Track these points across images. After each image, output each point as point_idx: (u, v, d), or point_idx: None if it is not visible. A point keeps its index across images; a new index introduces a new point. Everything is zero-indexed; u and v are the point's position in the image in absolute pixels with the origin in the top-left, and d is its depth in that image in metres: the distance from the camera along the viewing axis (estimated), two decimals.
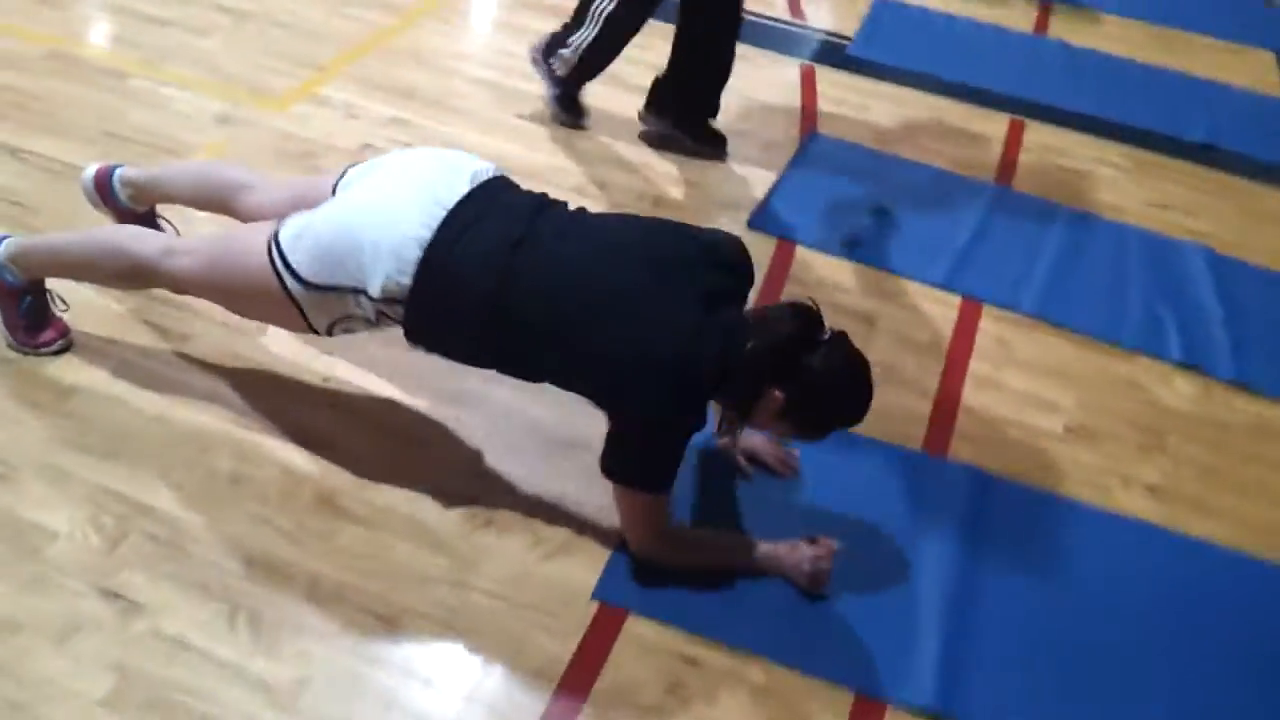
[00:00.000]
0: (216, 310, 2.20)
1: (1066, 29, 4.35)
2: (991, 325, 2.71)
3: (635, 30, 3.04)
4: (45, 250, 2.15)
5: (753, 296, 2.52)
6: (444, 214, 1.89)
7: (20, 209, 2.60)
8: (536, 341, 1.87)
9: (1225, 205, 3.34)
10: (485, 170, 2.01)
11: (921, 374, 2.52)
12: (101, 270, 2.13)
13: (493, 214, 1.92)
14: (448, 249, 1.86)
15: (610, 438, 1.88)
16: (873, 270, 2.82)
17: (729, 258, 1.96)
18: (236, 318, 2.18)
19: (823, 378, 1.82)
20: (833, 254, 2.86)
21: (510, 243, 1.88)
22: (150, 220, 2.42)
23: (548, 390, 1.97)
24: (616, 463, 1.88)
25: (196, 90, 3.14)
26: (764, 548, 2.00)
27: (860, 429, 2.04)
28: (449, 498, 2.07)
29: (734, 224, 2.90)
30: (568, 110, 3.22)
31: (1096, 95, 3.83)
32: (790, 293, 2.70)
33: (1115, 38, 4.34)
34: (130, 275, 2.10)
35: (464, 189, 1.94)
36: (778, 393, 1.81)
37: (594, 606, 1.92)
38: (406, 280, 1.86)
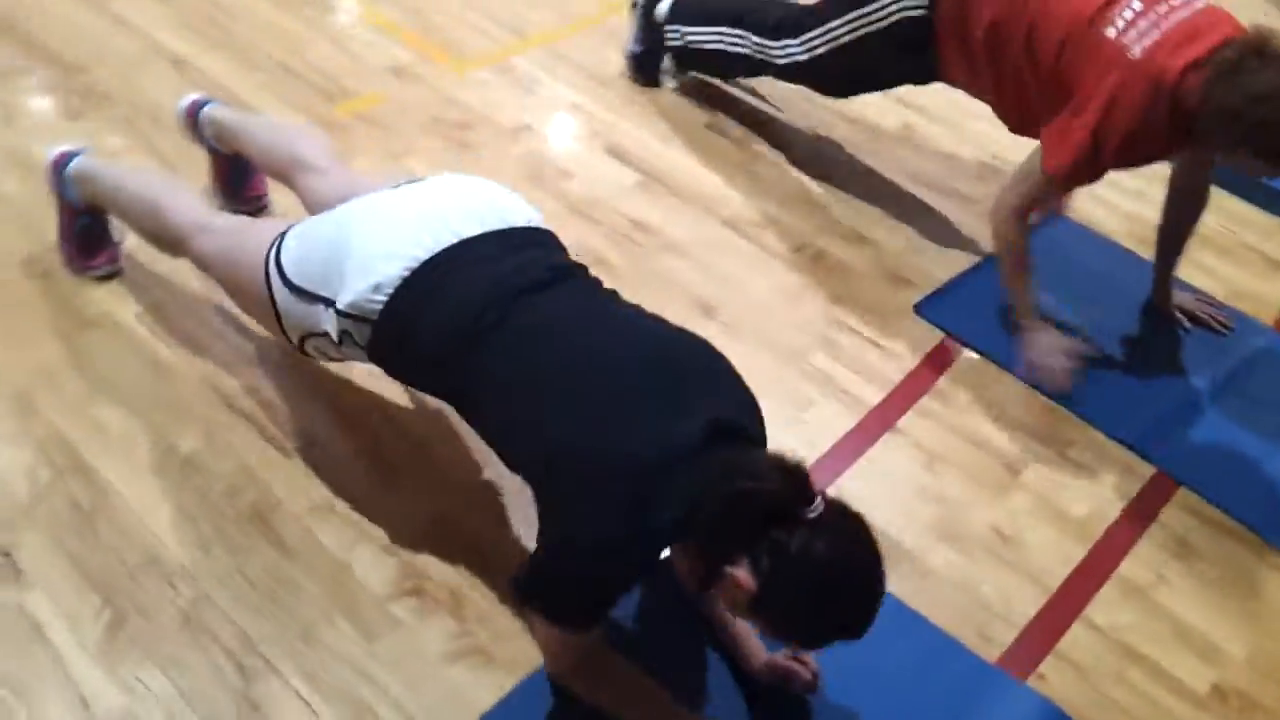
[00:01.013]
0: None
1: None
2: (1177, 517, 2.07)
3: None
4: (102, 183, 2.06)
5: (877, 397, 2.07)
6: (452, 241, 1.60)
7: (152, 123, 2.55)
8: (495, 392, 1.54)
9: None
10: (524, 218, 1.70)
11: (1050, 558, 1.96)
12: (139, 226, 2.02)
13: (509, 258, 1.61)
14: (442, 273, 1.57)
15: (536, 549, 1.51)
16: (1050, 403, 2.24)
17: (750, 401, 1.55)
18: None
19: (797, 566, 1.34)
20: (1005, 366, 2.30)
21: (517, 289, 1.56)
22: (240, 165, 2.28)
23: None
24: (528, 580, 1.50)
25: (391, 36, 3.00)
26: None
27: (929, 605, 1.71)
28: (394, 548, 1.79)
29: (901, 304, 2.41)
30: (642, 70, 2.93)
31: None
32: (928, 411, 2.20)
33: None
34: (161, 241, 1.97)
35: (489, 226, 1.64)
36: (740, 574, 1.36)
37: None
38: (380, 298, 1.58)
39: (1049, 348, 2.25)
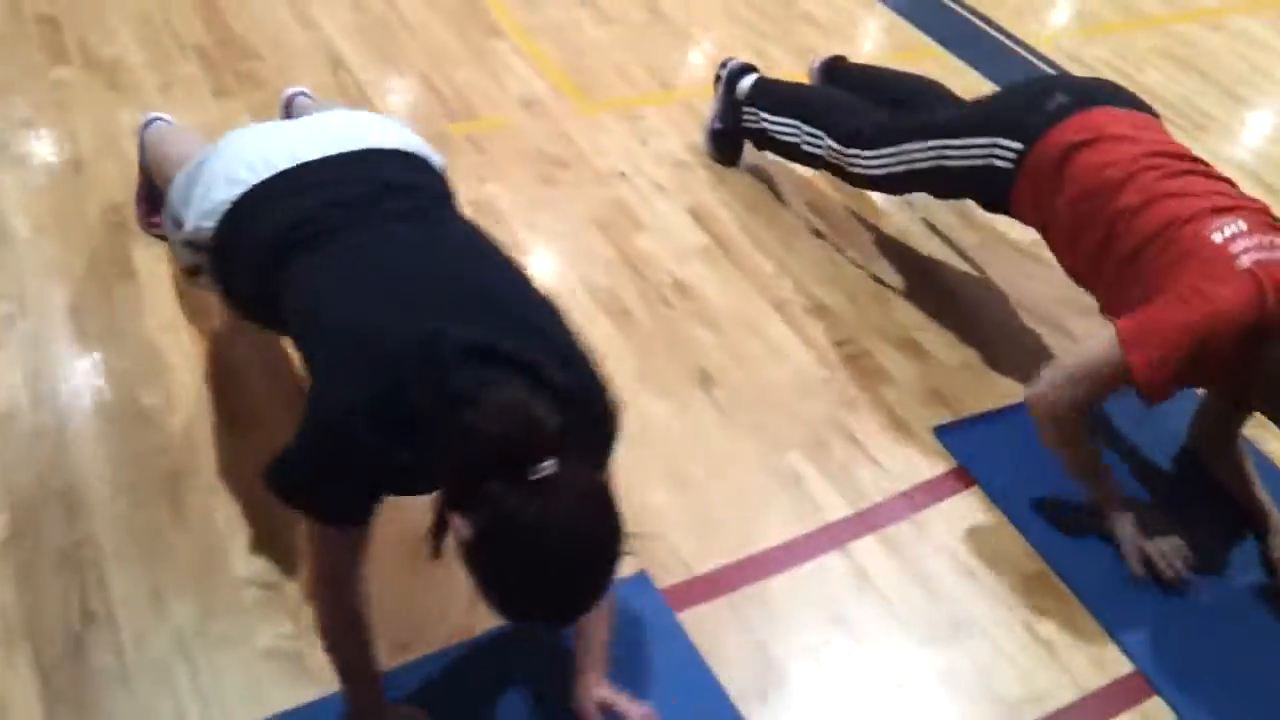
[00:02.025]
0: None
1: None
2: None
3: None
4: (156, 151, 2.24)
5: (838, 513, 2.02)
6: (287, 165, 1.65)
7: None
8: (299, 298, 1.55)
9: None
10: (392, 141, 1.72)
11: None
12: (161, 183, 2.16)
13: (348, 179, 1.63)
14: (266, 197, 1.63)
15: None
16: (1047, 571, 1.97)
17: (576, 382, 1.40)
18: None
19: (504, 528, 1.22)
20: (1010, 519, 2.05)
21: (344, 205, 1.58)
22: None
23: None
24: (274, 464, 1.43)
25: (537, 68, 3.10)
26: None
27: None
28: (276, 544, 1.83)
29: (924, 424, 2.21)
30: (720, 150, 2.82)
31: None
32: (895, 541, 2.00)
33: None
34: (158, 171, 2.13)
35: (340, 149, 1.67)
36: (458, 521, 1.25)
37: None
38: (210, 224, 1.66)
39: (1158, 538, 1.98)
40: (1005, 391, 2.30)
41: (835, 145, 2.46)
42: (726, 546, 1.93)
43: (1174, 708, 1.79)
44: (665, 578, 1.86)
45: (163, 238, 2.33)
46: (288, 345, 2.11)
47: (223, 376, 2.10)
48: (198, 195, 1.68)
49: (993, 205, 2.29)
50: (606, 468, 1.47)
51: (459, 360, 1.31)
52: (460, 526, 1.25)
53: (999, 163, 2.16)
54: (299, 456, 1.40)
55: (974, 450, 2.17)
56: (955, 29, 3.63)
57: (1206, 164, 2.05)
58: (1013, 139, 2.14)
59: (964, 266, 2.64)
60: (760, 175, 2.81)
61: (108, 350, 2.11)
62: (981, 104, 2.35)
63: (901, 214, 2.75)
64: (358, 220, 1.56)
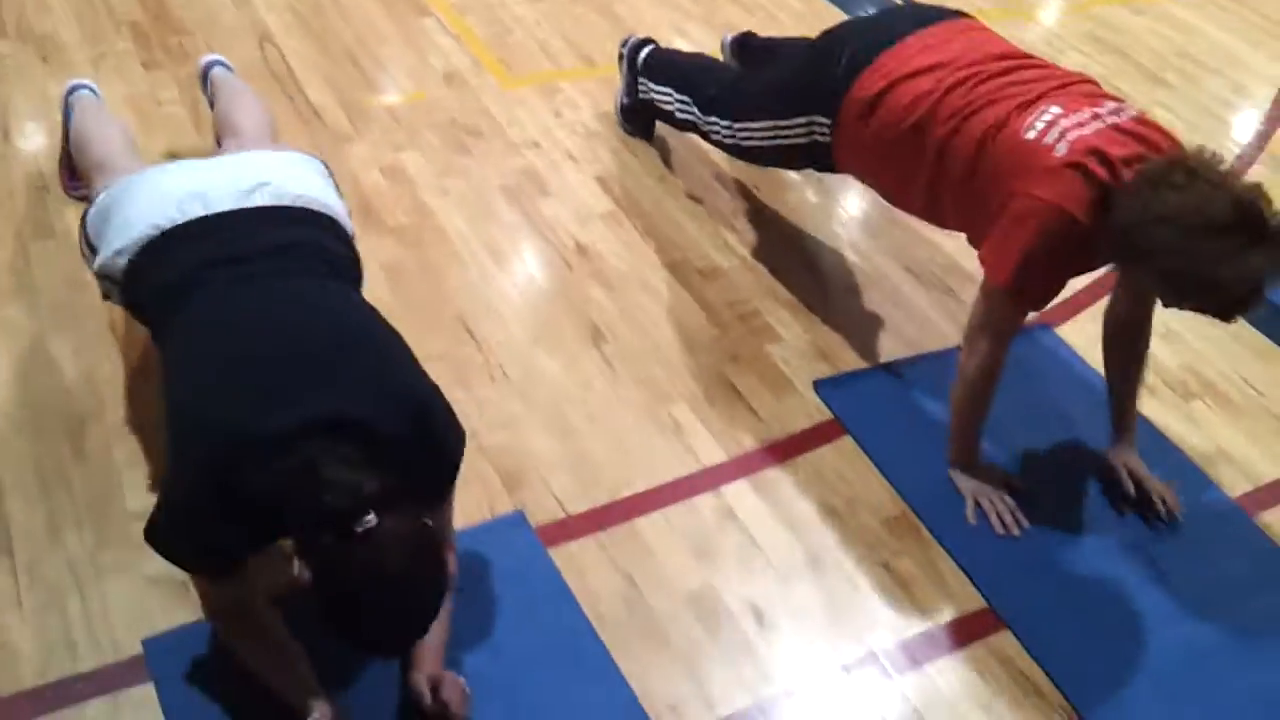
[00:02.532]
0: None
1: None
2: (980, 656, 1.87)
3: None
4: (80, 127, 2.29)
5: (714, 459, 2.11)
6: (199, 214, 1.75)
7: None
8: (168, 357, 1.68)
9: None
10: (297, 197, 1.82)
11: (799, 658, 1.84)
12: (80, 162, 2.26)
13: (242, 236, 1.74)
14: (172, 245, 1.74)
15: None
16: (911, 517, 2.09)
17: (414, 414, 1.57)
18: None
19: (336, 575, 1.39)
20: (878, 466, 2.16)
21: (228, 262, 1.69)
22: None
23: None
24: (149, 525, 1.57)
25: (462, 43, 3.19)
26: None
27: (645, 677, 1.76)
28: None
29: (807, 380, 2.32)
30: (631, 123, 2.93)
31: None
32: (767, 485, 2.10)
33: None
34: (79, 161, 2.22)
35: (249, 204, 1.78)
36: (301, 565, 1.43)
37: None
38: (124, 261, 1.76)
39: (992, 486, 2.09)
40: (887, 350, 2.41)
41: (698, 112, 2.56)
42: (602, 489, 2.04)
43: (1020, 639, 1.90)
44: (540, 516, 1.97)
45: (83, 198, 2.43)
46: None
47: (129, 327, 2.19)
48: (113, 231, 1.79)
49: (831, 171, 2.39)
50: (448, 491, 1.66)
51: (284, 442, 1.44)
52: (302, 570, 1.42)
53: (819, 138, 2.25)
54: (164, 521, 1.54)
55: (849, 403, 2.28)
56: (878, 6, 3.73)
57: (1020, 54, 2.11)
58: (821, 114, 2.21)
59: (857, 235, 2.74)
60: (668, 147, 2.90)
61: (21, 305, 2.21)
62: (793, 67, 2.37)
63: (798, 185, 2.86)
64: (228, 281, 1.67)
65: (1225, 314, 1.83)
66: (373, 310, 1.73)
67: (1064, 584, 2.00)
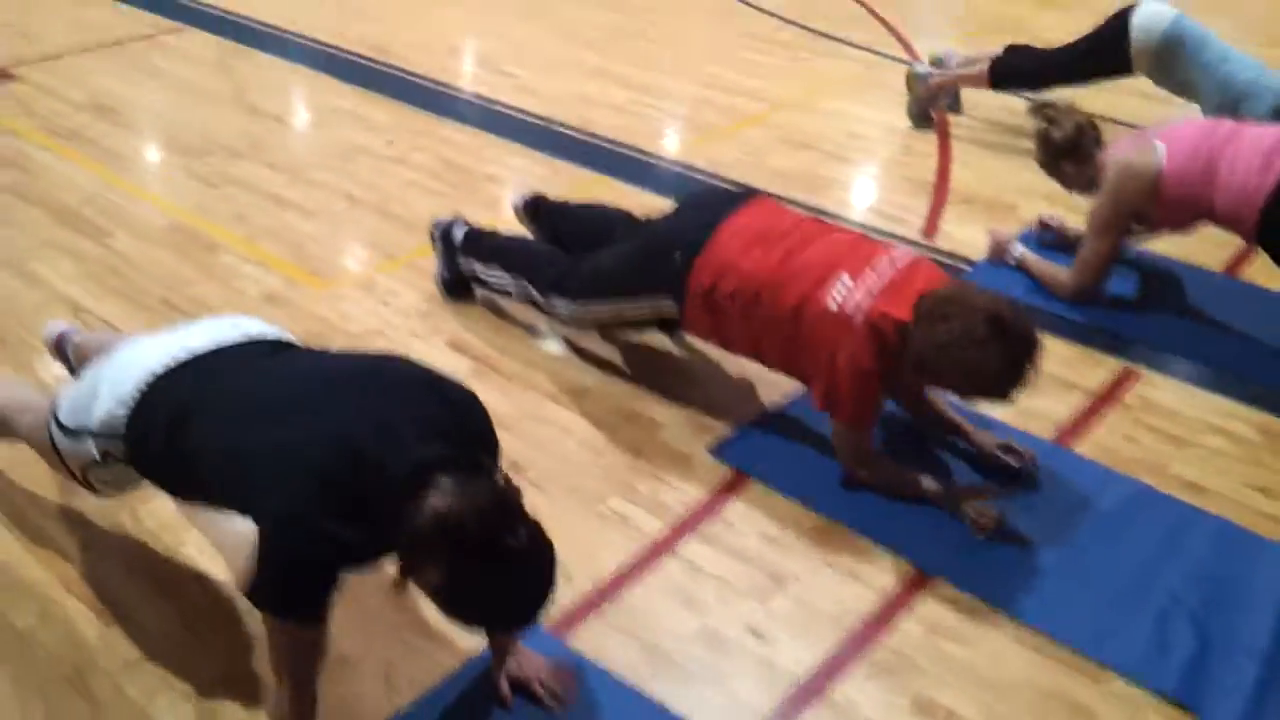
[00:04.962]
0: None
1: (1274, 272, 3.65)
2: (930, 605, 2.26)
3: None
4: None
5: (664, 530, 2.41)
6: (185, 356, 1.93)
7: (47, 362, 2.91)
8: (211, 444, 1.81)
9: None
10: (264, 332, 2.03)
11: (802, 650, 2.15)
12: None
13: (234, 357, 1.94)
14: (173, 381, 1.89)
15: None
16: (823, 521, 2.47)
17: (466, 411, 1.84)
18: None
19: (472, 574, 1.60)
20: (784, 494, 2.54)
21: (221, 370, 1.89)
22: None
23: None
24: (254, 581, 1.70)
25: (268, 267, 3.41)
26: None
27: (687, 705, 2.03)
28: (194, 695, 2.01)
29: (700, 450, 2.67)
30: (453, 293, 3.26)
31: (1258, 351, 3.18)
32: (710, 536, 2.42)
33: None
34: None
35: (226, 342, 1.96)
36: (434, 570, 1.61)
37: None
38: (123, 412, 1.89)
39: (968, 504, 2.47)
40: (745, 412, 2.82)
41: (536, 294, 2.96)
42: (585, 579, 2.28)
43: (952, 582, 2.32)
44: (545, 622, 2.19)
45: None
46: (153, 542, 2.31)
47: (79, 580, 2.24)
48: (106, 389, 1.92)
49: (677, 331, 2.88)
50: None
51: (394, 449, 1.67)
52: (426, 576, 1.61)
53: (667, 312, 2.73)
54: (273, 575, 1.69)
55: (743, 455, 2.66)
56: (619, 161, 4.27)
57: (808, 221, 2.67)
58: (667, 298, 2.70)
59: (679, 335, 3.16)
60: (492, 303, 3.24)
61: None
62: (633, 260, 2.79)
63: None
64: (240, 372, 1.88)
65: (1004, 398, 2.37)
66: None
67: (966, 530, 2.44)
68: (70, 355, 2.60)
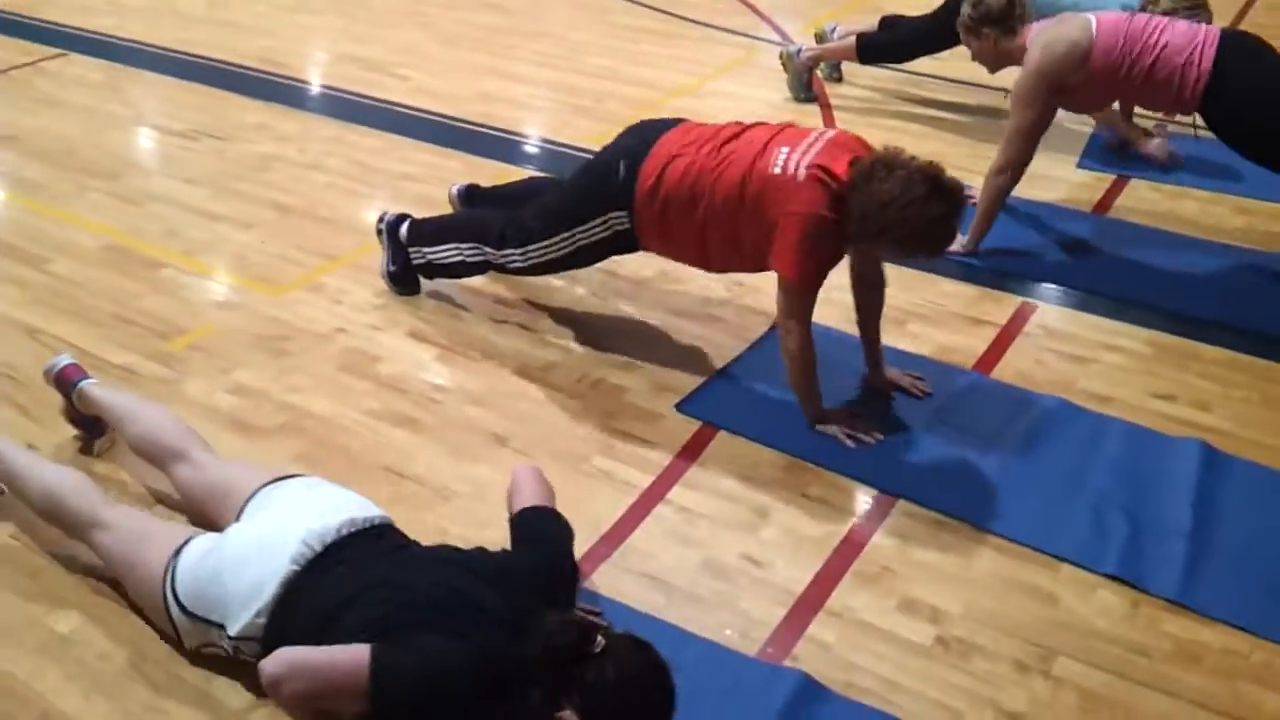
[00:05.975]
0: None
1: (1136, 207, 4.08)
2: (900, 522, 2.54)
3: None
4: (6, 459, 2.41)
5: (647, 481, 2.59)
6: (309, 555, 2.06)
7: (13, 383, 2.95)
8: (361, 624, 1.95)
9: (1254, 398, 3.00)
10: (366, 516, 2.18)
11: (795, 570, 2.40)
12: (36, 505, 2.34)
13: (354, 557, 2.08)
14: (302, 587, 2.02)
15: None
16: (790, 459, 2.72)
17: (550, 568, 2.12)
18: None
19: (611, 693, 1.78)
20: (750, 438, 2.78)
21: (363, 585, 2.02)
22: (96, 421, 2.69)
23: None
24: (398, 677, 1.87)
25: (214, 278, 3.49)
26: None
27: (699, 627, 2.24)
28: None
29: (666, 407, 2.89)
30: (402, 285, 3.39)
31: (1135, 276, 3.57)
32: (692, 482, 2.65)
33: (1193, 217, 4.01)
34: (59, 523, 2.32)
35: (339, 532, 2.11)
36: (565, 714, 1.78)
37: None
38: (261, 620, 2.02)
39: (846, 420, 2.77)
40: (699, 370, 3.06)
41: (490, 250, 3.11)
42: (589, 534, 2.48)
43: (914, 500, 2.61)
44: None
45: None
46: None
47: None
48: (237, 590, 2.03)
49: (630, 251, 3.04)
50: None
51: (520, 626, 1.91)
52: (567, 716, 1.78)
53: (619, 226, 2.91)
54: (420, 689, 1.85)
55: (707, 408, 2.90)
56: (530, 152, 4.45)
57: (740, 124, 2.85)
58: (616, 209, 2.89)
59: (632, 306, 3.38)
60: (443, 291, 3.40)
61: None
62: (577, 186, 3.03)
63: (568, 284, 3.45)
64: (375, 567, 2.06)
65: (937, 253, 2.64)
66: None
67: (917, 455, 2.74)
68: (75, 401, 2.65)
